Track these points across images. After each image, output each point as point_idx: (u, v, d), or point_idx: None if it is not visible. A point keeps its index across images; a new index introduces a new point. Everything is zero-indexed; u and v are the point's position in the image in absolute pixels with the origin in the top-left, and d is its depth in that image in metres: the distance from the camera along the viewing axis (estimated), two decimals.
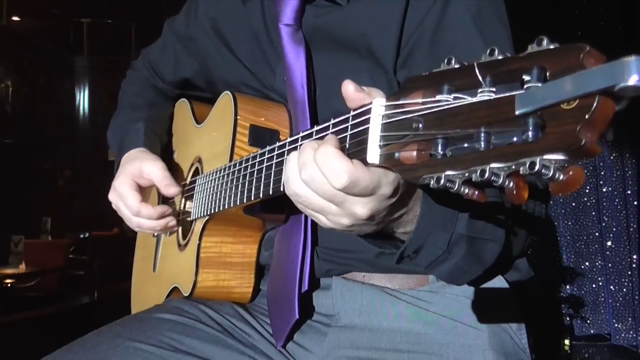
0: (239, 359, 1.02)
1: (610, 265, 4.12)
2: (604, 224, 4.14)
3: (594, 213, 4.20)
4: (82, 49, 9.56)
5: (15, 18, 8.39)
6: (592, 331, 4.17)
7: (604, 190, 4.13)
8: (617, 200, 4.08)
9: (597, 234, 4.19)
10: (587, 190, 4.20)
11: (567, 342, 3.87)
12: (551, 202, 4.26)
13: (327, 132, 0.70)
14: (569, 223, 4.24)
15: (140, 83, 1.47)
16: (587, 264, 4.22)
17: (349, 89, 0.66)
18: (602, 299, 4.19)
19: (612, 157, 4.09)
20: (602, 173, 4.13)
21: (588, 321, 4.17)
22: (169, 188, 1.18)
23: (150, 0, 7.93)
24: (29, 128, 8.14)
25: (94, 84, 9.50)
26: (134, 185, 1.18)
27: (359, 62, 1.00)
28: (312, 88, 1.03)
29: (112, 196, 1.21)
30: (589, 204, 4.21)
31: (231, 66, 1.21)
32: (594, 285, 4.21)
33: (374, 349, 1.00)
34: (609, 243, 4.12)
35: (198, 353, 0.99)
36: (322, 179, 0.64)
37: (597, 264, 4.20)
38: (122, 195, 1.18)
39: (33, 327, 3.27)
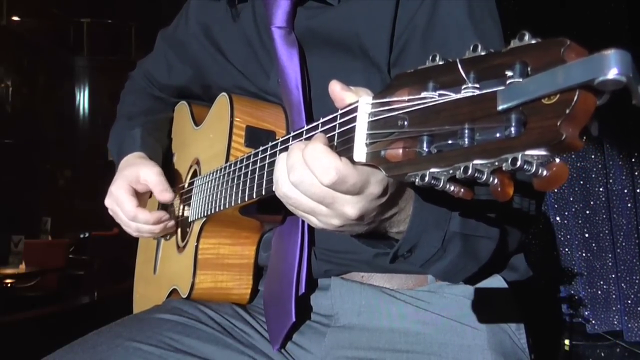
0: (239, 358, 1.02)
1: (621, 263, 4.12)
2: (614, 222, 4.13)
3: (604, 211, 4.20)
4: (82, 49, 9.55)
5: (15, 18, 8.38)
6: (604, 329, 4.17)
7: (614, 188, 4.13)
8: (627, 197, 4.08)
9: (607, 231, 4.19)
10: (597, 189, 4.20)
11: (567, 342, 3.87)
12: (562, 201, 4.25)
13: (317, 132, 0.70)
14: (580, 222, 4.23)
15: (138, 92, 1.47)
16: (598, 262, 4.22)
17: (335, 89, 0.67)
18: (614, 297, 4.19)
19: (621, 156, 4.09)
20: (612, 172, 4.13)
21: (599, 319, 4.17)
22: (164, 194, 1.18)
23: (150, 0, 7.92)
24: (29, 128, 8.13)
25: (94, 84, 9.49)
26: (130, 190, 1.18)
27: (353, 62, 1.00)
28: (307, 90, 1.03)
29: (108, 201, 1.21)
30: (598, 202, 4.20)
31: (224, 71, 1.21)
32: (604, 283, 4.21)
33: (373, 349, 1.00)
34: (620, 241, 4.12)
35: (198, 353, 0.99)
36: (311, 180, 0.64)
37: (608, 262, 4.20)
38: (119, 200, 1.18)
39: (33, 327, 3.27)
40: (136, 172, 1.19)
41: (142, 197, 1.22)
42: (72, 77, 9.49)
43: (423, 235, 0.79)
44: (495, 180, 0.47)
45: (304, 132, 0.74)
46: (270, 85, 1.12)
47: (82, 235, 7.31)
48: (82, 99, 9.58)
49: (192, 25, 1.29)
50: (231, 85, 1.18)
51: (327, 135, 0.67)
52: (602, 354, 4.05)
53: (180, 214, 1.27)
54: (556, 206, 4.28)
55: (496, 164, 0.46)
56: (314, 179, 0.64)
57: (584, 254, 4.23)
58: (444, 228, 0.81)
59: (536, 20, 3.99)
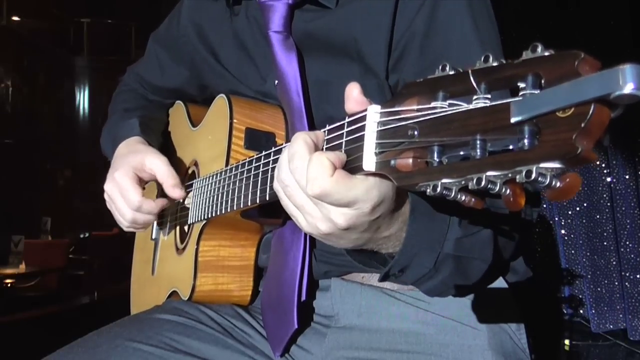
0: (239, 359, 1.02)
1: (625, 262, 4.12)
2: (618, 222, 4.13)
3: (607, 210, 4.19)
4: (82, 49, 9.55)
5: (15, 18, 8.38)
6: (608, 328, 4.17)
7: (618, 188, 4.13)
8: (630, 197, 4.08)
9: (610, 230, 4.18)
10: (600, 188, 4.19)
11: (567, 342, 3.87)
12: (565, 200, 4.25)
13: (323, 139, 0.69)
14: (584, 221, 4.22)
15: (131, 93, 1.45)
16: (602, 261, 4.21)
17: (354, 92, 0.65)
18: (618, 296, 4.19)
19: (624, 156, 4.09)
20: (616, 171, 4.12)
21: (604, 318, 4.17)
22: (175, 190, 1.12)
23: (150, 0, 7.91)
24: (29, 128, 8.13)
25: (94, 84, 9.48)
26: (135, 178, 1.14)
27: (350, 67, 1.00)
28: (307, 95, 1.02)
29: (109, 186, 1.16)
30: (602, 201, 4.20)
31: (219, 75, 1.20)
32: (609, 282, 4.20)
33: (373, 349, 1.00)
34: (624, 240, 4.12)
35: (198, 353, 0.99)
36: (304, 174, 0.65)
37: (612, 261, 4.20)
38: (122, 188, 1.14)
39: (33, 327, 3.27)
40: (141, 159, 1.15)
41: (144, 185, 1.19)
42: (72, 77, 9.48)
43: (416, 257, 0.79)
44: (508, 191, 0.47)
45: None
46: (266, 87, 1.11)
47: (82, 235, 7.31)
48: (82, 99, 9.58)
49: (185, 25, 1.27)
50: (226, 89, 1.16)
51: (334, 143, 0.67)
52: (602, 354, 4.05)
53: (179, 214, 1.27)
54: (559, 206, 4.27)
55: (509, 175, 0.45)
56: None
57: (587, 253, 4.22)
58: (438, 250, 0.81)
59: (539, 20, 3.99)
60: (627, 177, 4.09)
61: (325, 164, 0.62)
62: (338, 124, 0.67)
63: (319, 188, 0.62)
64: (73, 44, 9.52)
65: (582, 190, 4.19)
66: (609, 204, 4.18)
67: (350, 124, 0.65)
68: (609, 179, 4.15)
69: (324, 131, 0.70)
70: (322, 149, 0.69)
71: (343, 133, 0.66)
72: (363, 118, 0.62)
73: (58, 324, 3.37)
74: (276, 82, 1.06)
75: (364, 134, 0.61)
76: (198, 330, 1.03)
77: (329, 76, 1.01)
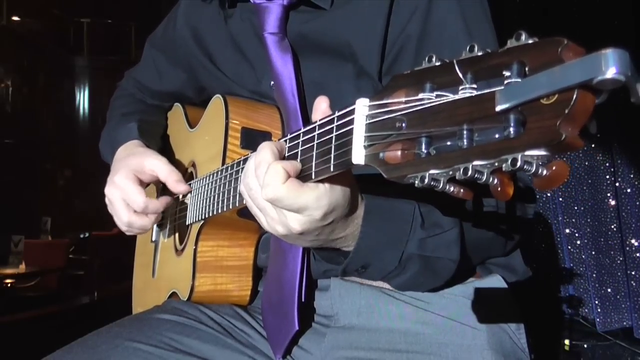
0: (239, 359, 1.02)
1: (630, 261, 4.11)
2: (623, 221, 4.12)
3: (612, 209, 4.19)
4: (82, 49, 9.56)
5: (15, 18, 8.38)
6: (613, 327, 4.17)
7: (622, 187, 4.12)
8: (635, 196, 4.07)
9: (615, 229, 4.18)
10: (604, 187, 4.19)
11: (567, 342, 3.87)
12: (570, 200, 4.25)
13: (314, 134, 0.70)
14: (588, 220, 4.22)
15: (128, 98, 1.46)
16: (607, 260, 4.21)
17: (322, 105, 0.71)
18: (623, 294, 4.18)
19: (628, 154, 4.08)
20: (620, 170, 4.12)
21: (609, 317, 4.16)
22: (179, 184, 1.14)
23: (150, 0, 7.91)
24: (29, 128, 8.14)
25: (94, 84, 9.50)
26: (137, 180, 1.15)
27: (344, 69, 1.00)
28: (302, 96, 1.03)
29: (110, 190, 1.17)
30: (606, 200, 4.19)
31: (215, 78, 1.20)
32: (614, 281, 4.20)
33: (373, 349, 1.00)
34: (629, 239, 4.11)
35: (197, 353, 1.00)
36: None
37: (617, 259, 4.19)
38: (125, 191, 1.14)
39: (33, 327, 3.27)
40: (140, 161, 1.16)
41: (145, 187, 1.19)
42: (72, 77, 9.50)
43: (375, 255, 0.84)
44: (495, 181, 0.47)
45: (301, 134, 0.74)
46: (262, 88, 1.11)
47: (82, 235, 7.31)
48: (82, 99, 9.59)
49: (181, 28, 1.28)
50: (222, 91, 1.16)
51: (325, 138, 0.68)
52: (603, 354, 4.05)
53: (178, 216, 1.27)
54: (564, 205, 4.27)
55: (496, 164, 0.45)
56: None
57: (592, 252, 4.22)
58: (401, 249, 0.85)
59: (541, 19, 3.98)
60: (631, 175, 4.08)
61: (280, 172, 0.68)
62: (328, 118, 0.68)
63: (272, 193, 0.68)
64: (73, 44, 9.53)
65: (587, 189, 4.19)
66: (613, 202, 4.17)
67: (339, 118, 0.65)
68: (613, 178, 4.15)
69: (315, 126, 0.70)
70: (285, 157, 0.74)
71: (333, 127, 0.66)
72: (352, 112, 0.62)
73: (58, 324, 3.37)
74: (272, 83, 1.06)
75: (353, 128, 0.62)
76: (198, 330, 1.03)
77: (324, 77, 1.02)
